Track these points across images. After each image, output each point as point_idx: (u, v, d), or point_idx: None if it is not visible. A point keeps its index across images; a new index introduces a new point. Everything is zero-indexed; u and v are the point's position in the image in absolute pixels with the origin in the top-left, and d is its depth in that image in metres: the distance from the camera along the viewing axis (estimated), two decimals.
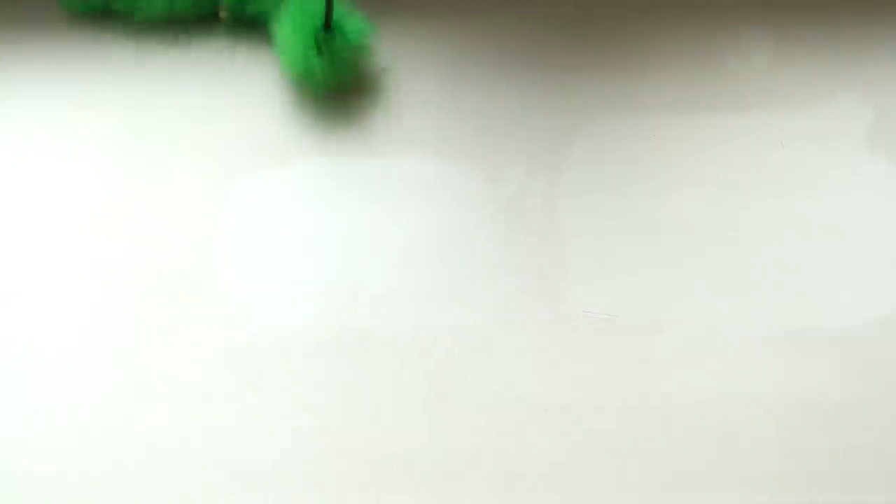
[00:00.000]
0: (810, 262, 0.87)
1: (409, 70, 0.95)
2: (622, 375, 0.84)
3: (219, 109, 0.94)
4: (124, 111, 0.94)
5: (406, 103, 0.94)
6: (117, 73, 0.96)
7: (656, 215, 0.89)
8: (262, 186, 0.91)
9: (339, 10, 0.90)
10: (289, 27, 0.90)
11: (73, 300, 0.88)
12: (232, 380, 0.85)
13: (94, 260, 0.89)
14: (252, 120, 0.93)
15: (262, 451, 0.83)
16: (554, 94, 0.94)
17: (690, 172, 0.91)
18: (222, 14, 0.94)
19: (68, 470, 0.83)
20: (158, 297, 0.88)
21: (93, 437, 0.84)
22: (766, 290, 0.86)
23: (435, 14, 0.97)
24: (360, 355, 0.85)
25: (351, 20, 0.91)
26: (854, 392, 0.83)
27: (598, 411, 0.83)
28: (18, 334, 0.87)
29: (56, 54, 0.97)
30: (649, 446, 0.82)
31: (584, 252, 0.88)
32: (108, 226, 0.90)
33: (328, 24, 0.89)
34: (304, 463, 0.82)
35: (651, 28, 0.96)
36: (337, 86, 0.92)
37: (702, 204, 0.89)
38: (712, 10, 0.97)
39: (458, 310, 0.86)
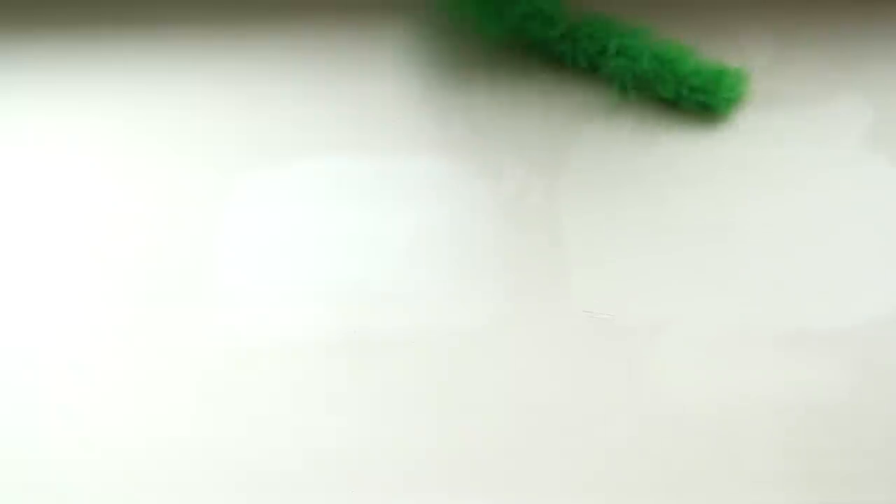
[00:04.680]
0: (810, 261, 0.87)
1: (409, 69, 0.95)
2: (622, 375, 0.84)
3: (219, 108, 0.94)
4: (124, 110, 0.94)
5: (406, 102, 0.94)
6: (117, 70, 0.96)
7: (656, 215, 0.89)
8: (262, 186, 0.91)
9: None
10: None
11: (72, 299, 0.88)
12: (231, 379, 0.85)
13: (94, 259, 0.89)
14: (252, 119, 0.93)
15: (262, 450, 0.83)
16: (554, 93, 0.94)
17: (690, 172, 0.91)
18: None
19: (66, 468, 0.83)
20: (158, 296, 0.88)
21: (92, 435, 0.84)
22: (766, 290, 0.86)
23: (434, 12, 0.97)
24: (360, 354, 0.85)
25: None
26: (854, 392, 0.83)
27: (598, 411, 0.83)
28: (17, 332, 0.87)
29: (56, 52, 0.97)
30: (649, 446, 0.82)
31: (584, 251, 0.88)
32: (108, 224, 0.90)
33: None
34: (305, 463, 0.82)
35: (650, 28, 0.96)
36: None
37: (702, 204, 0.89)
38: (712, 9, 0.97)
39: (458, 309, 0.86)
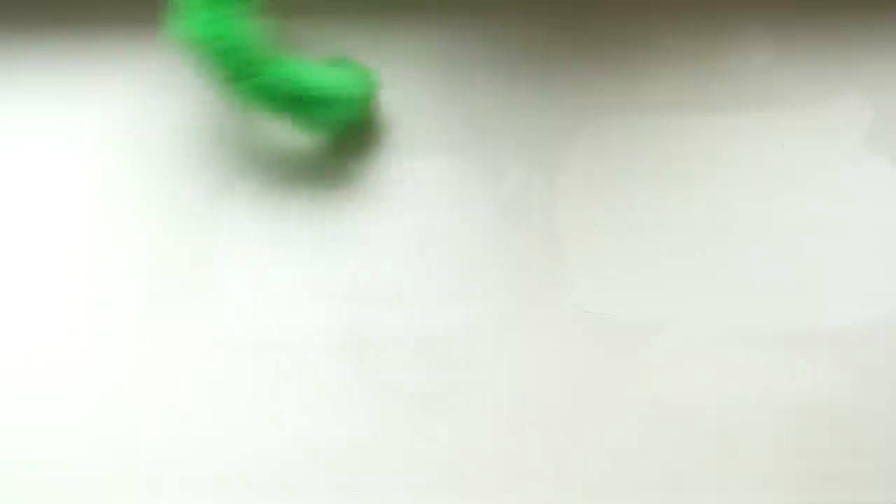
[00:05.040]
0: (810, 261, 0.87)
1: (409, 69, 0.95)
2: (622, 375, 0.84)
3: (219, 108, 0.94)
4: (124, 110, 0.94)
5: (406, 103, 0.93)
6: (117, 70, 0.96)
7: (657, 215, 0.89)
8: (262, 186, 0.91)
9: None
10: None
11: (71, 299, 0.88)
12: (230, 379, 0.85)
13: (93, 259, 0.89)
14: (252, 119, 0.93)
15: (261, 450, 0.83)
16: (554, 92, 0.94)
17: (690, 172, 0.91)
18: None
19: (66, 468, 0.83)
20: (157, 296, 0.88)
21: (93, 436, 0.84)
22: (766, 290, 0.86)
23: (434, 12, 0.97)
24: (360, 355, 0.85)
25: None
26: (854, 392, 0.83)
27: (598, 411, 0.83)
28: (17, 333, 0.87)
29: (55, 52, 0.97)
30: (649, 446, 0.82)
31: (584, 251, 0.88)
32: (109, 224, 0.90)
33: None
34: (304, 462, 0.82)
35: (651, 28, 0.96)
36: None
37: (702, 204, 0.89)
38: (712, 9, 0.97)
39: (458, 310, 0.86)
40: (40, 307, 0.88)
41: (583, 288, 0.87)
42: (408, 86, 0.94)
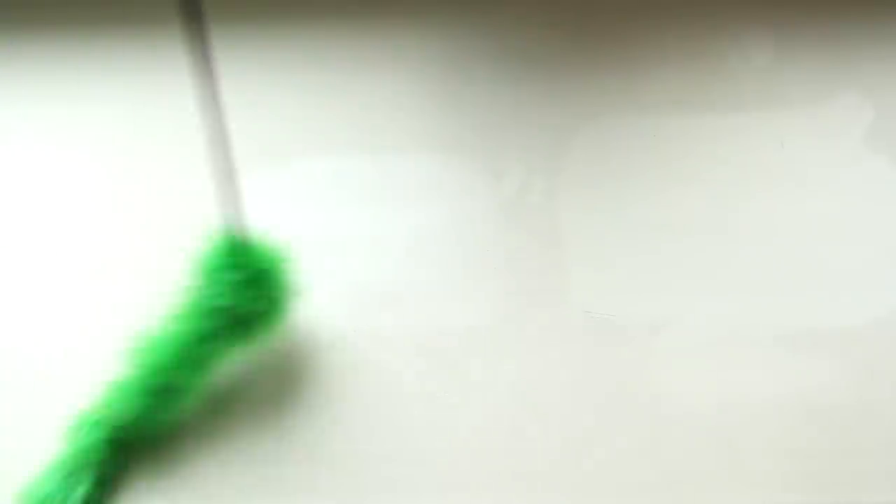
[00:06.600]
0: (810, 261, 0.87)
1: (409, 69, 0.95)
2: (622, 375, 0.84)
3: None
4: (123, 110, 0.94)
5: (406, 102, 0.94)
6: (118, 71, 0.96)
7: (657, 214, 0.89)
8: (262, 186, 0.91)
9: None
10: None
11: (72, 297, 0.88)
12: (230, 377, 0.85)
13: (94, 258, 0.89)
14: (252, 119, 0.93)
15: (262, 446, 0.83)
16: (554, 92, 0.94)
17: (690, 172, 0.91)
18: None
19: None
20: (159, 295, 0.88)
21: None
22: (766, 290, 0.86)
23: (435, 12, 0.97)
24: (359, 354, 0.85)
25: None
26: (854, 392, 0.83)
27: (598, 410, 0.83)
28: (16, 332, 0.87)
29: (56, 52, 0.97)
30: (649, 445, 0.82)
31: (584, 251, 0.88)
32: (110, 224, 0.90)
33: None
34: (305, 460, 0.82)
35: (651, 27, 0.96)
36: None
37: (702, 203, 0.89)
38: (712, 9, 0.97)
39: (458, 309, 0.86)
40: (38, 307, 0.88)
41: (583, 288, 0.87)
42: (408, 86, 0.94)
